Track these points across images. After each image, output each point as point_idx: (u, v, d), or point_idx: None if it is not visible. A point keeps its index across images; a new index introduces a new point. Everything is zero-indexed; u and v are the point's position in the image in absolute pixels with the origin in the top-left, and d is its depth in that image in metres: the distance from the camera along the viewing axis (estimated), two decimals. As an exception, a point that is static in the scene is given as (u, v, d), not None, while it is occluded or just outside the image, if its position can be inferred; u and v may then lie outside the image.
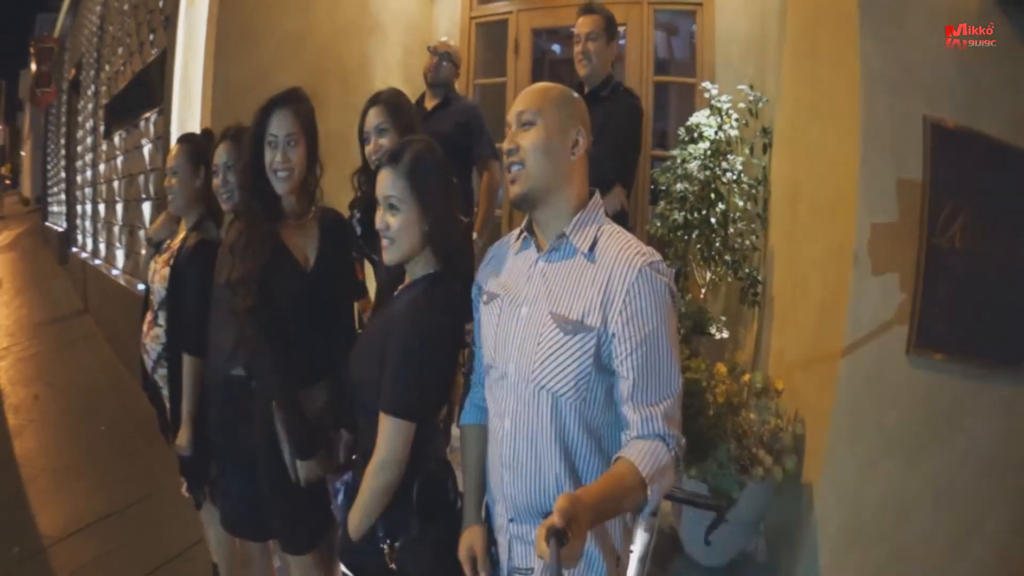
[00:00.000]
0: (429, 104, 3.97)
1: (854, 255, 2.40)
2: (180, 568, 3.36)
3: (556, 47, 5.71)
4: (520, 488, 1.64)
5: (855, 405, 2.45)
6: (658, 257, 1.56)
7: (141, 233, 7.30)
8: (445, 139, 3.58)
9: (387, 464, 1.82)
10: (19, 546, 4.13)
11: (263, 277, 2.21)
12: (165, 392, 2.84)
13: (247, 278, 2.21)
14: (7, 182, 33.17)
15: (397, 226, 1.83)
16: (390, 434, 1.81)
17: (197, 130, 4.86)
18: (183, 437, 2.69)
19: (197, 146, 2.92)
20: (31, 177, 25.11)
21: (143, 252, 7.16)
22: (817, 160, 2.72)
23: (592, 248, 1.59)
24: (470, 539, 1.73)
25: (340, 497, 2.16)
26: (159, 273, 2.79)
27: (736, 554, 2.92)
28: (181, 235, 2.81)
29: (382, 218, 1.85)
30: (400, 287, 1.97)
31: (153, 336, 2.83)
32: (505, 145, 1.62)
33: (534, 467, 1.62)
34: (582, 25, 3.19)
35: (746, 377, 2.79)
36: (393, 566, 1.87)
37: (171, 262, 2.72)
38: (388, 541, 1.88)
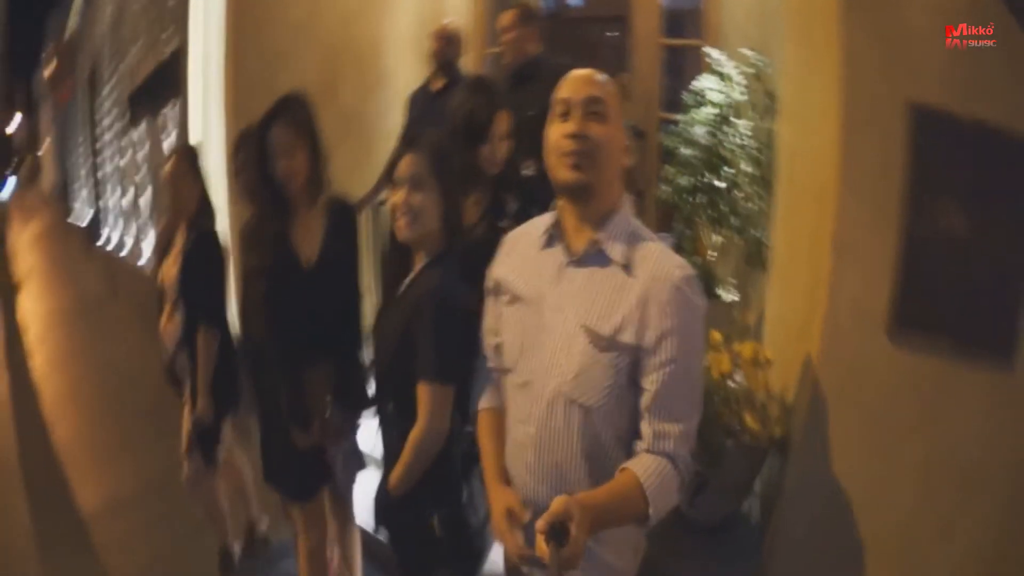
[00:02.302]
0: (435, 86, 4.15)
1: (833, 234, 2.45)
2: (212, 541, 3.63)
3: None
4: (545, 494, 1.60)
5: (837, 382, 2.48)
6: (693, 271, 1.58)
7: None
8: None
9: (432, 431, 2.01)
10: (60, 523, 4.47)
11: (266, 275, 2.59)
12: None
13: (252, 273, 2.67)
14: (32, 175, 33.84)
15: (420, 203, 2.03)
16: (433, 401, 2.00)
17: (218, 120, 5.09)
18: (202, 405, 3.14)
19: (194, 155, 3.35)
20: (54, 170, 25.61)
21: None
22: (807, 133, 2.75)
23: (626, 259, 1.57)
24: (504, 500, 1.65)
25: (339, 465, 2.66)
26: (168, 273, 3.24)
27: (728, 515, 2.99)
28: (181, 236, 3.26)
29: (405, 197, 2.04)
30: (412, 275, 2.15)
31: (172, 327, 3.25)
32: (572, 128, 1.56)
33: (559, 474, 1.62)
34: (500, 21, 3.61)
35: (736, 346, 2.87)
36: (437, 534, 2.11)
37: (179, 261, 3.19)
38: (434, 512, 2.10)
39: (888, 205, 2.32)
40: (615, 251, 1.58)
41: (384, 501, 2.20)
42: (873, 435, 2.40)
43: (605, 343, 1.54)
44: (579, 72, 1.65)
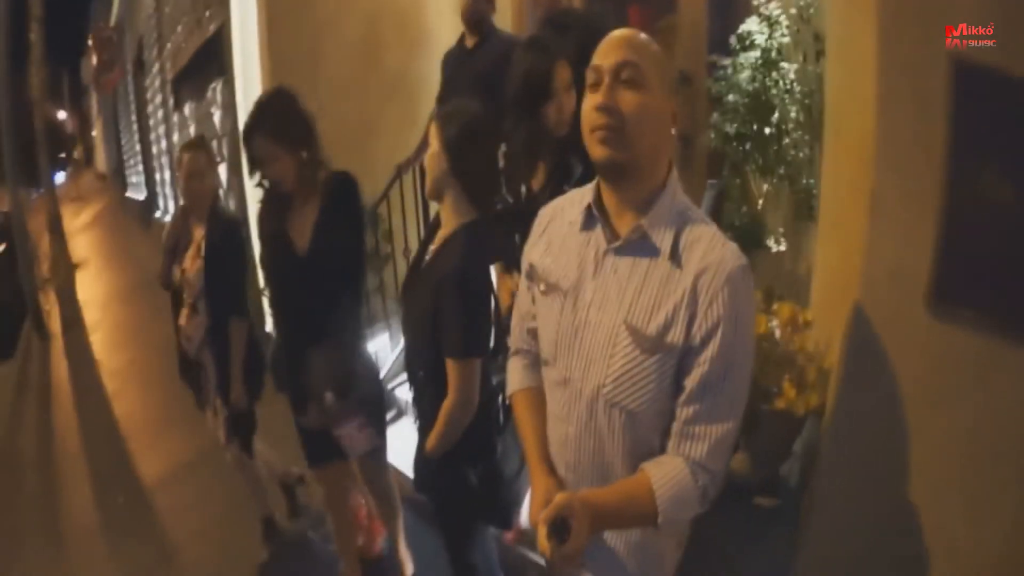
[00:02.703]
0: (470, 43, 4.04)
1: (871, 192, 2.26)
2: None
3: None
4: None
5: (870, 348, 2.32)
6: (744, 260, 1.42)
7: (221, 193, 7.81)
8: (486, 77, 3.71)
9: (463, 404, 2.11)
10: (123, 495, 4.63)
11: (267, 264, 2.81)
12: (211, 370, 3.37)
13: (261, 263, 2.84)
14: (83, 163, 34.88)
15: (428, 160, 2.14)
16: (462, 376, 2.08)
17: (257, 86, 5.13)
18: (237, 394, 3.25)
19: (208, 146, 3.45)
20: (106, 154, 26.33)
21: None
22: (851, 77, 2.56)
23: (673, 246, 1.42)
24: (544, 489, 1.55)
25: (349, 442, 2.76)
26: (192, 267, 3.26)
27: (766, 477, 2.89)
28: (196, 230, 3.31)
29: (427, 157, 2.16)
30: (437, 242, 2.21)
31: (195, 324, 3.31)
32: (599, 99, 1.39)
33: (602, 475, 1.52)
34: None
35: (776, 306, 2.77)
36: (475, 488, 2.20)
37: (201, 253, 3.23)
38: (470, 468, 2.19)
39: (928, 164, 2.11)
40: (662, 238, 1.42)
41: (422, 465, 2.29)
42: (910, 405, 2.24)
43: (650, 344, 1.40)
44: (613, 34, 1.46)
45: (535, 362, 1.70)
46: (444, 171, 2.11)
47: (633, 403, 1.43)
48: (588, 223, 1.52)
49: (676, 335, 1.38)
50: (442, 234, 2.20)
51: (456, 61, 4.09)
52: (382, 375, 4.31)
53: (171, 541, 4.06)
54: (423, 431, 2.26)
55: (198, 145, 3.39)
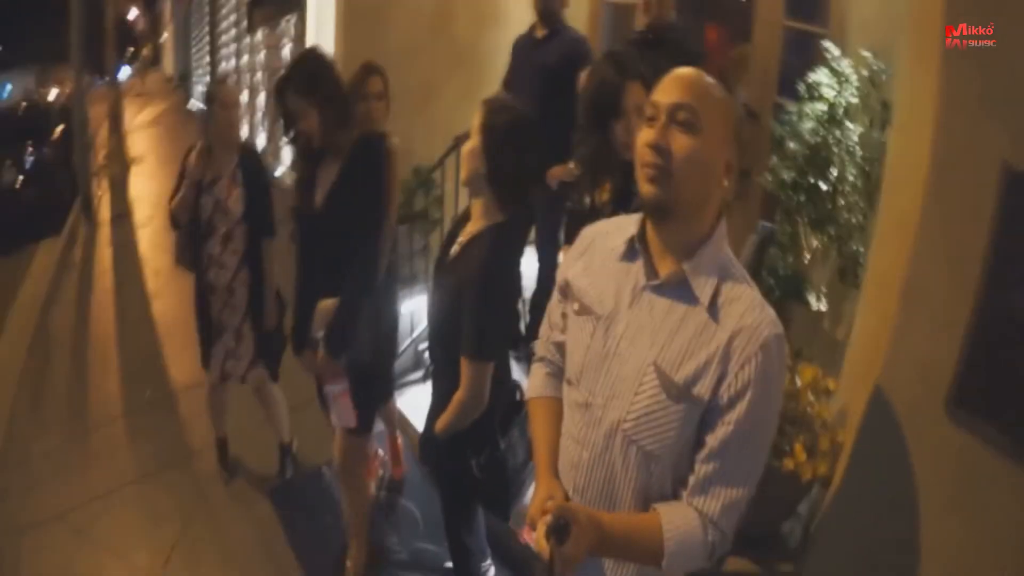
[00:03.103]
0: (539, 33, 3.97)
1: (905, 279, 2.20)
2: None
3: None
4: None
5: (885, 434, 2.23)
6: (780, 329, 1.35)
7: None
8: (551, 70, 3.70)
9: (472, 400, 2.10)
10: (150, 390, 4.72)
11: (292, 215, 2.85)
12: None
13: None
14: (149, 61, 34.62)
15: (464, 152, 2.09)
16: (473, 376, 2.06)
17: (331, 37, 5.07)
18: (271, 312, 3.44)
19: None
20: (175, 58, 26.11)
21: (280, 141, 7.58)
22: (910, 154, 2.41)
23: (713, 299, 1.36)
24: (548, 490, 1.50)
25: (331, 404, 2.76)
26: (230, 195, 3.34)
27: (765, 533, 2.78)
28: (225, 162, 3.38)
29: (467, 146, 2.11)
30: (465, 235, 2.17)
31: (231, 251, 3.38)
32: (652, 137, 1.33)
33: (609, 505, 1.47)
34: None
35: (800, 367, 2.68)
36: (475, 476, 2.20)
37: (239, 181, 3.35)
38: (476, 457, 2.19)
39: (967, 267, 1.99)
40: (702, 289, 1.35)
41: (429, 442, 2.29)
42: (916, 498, 2.15)
43: (677, 392, 1.34)
44: (677, 72, 1.38)
45: (558, 373, 1.66)
46: (478, 171, 2.07)
47: (651, 444, 1.38)
48: (630, 255, 1.45)
49: (704, 388, 1.33)
50: (471, 229, 2.15)
51: (525, 49, 4.03)
52: (414, 335, 4.38)
53: (189, 445, 4.13)
54: (435, 409, 2.25)
55: (229, 80, 3.51)
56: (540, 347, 1.72)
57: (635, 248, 1.44)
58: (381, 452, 3.77)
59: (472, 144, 2.07)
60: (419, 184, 4.65)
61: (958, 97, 2.07)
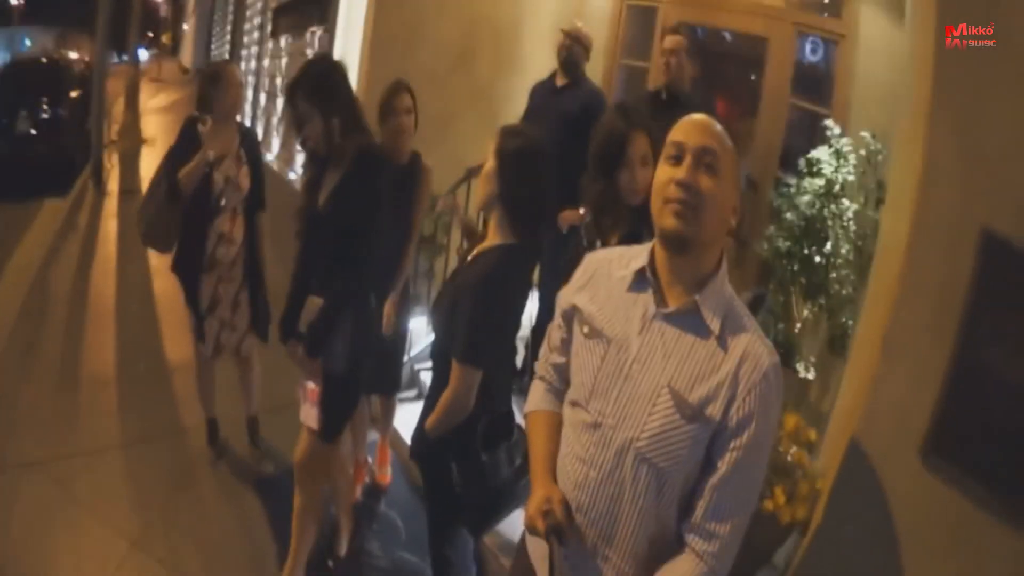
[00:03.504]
0: (560, 82, 4.02)
1: (885, 334, 2.24)
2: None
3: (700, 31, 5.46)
4: (592, 537, 1.49)
5: (865, 484, 2.25)
6: (778, 358, 1.41)
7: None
8: (570, 118, 3.73)
9: (456, 401, 2.09)
10: (144, 363, 4.58)
11: (298, 214, 2.76)
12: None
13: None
14: (168, 49, 34.20)
15: (481, 175, 2.12)
16: (460, 379, 2.06)
17: (357, 56, 5.07)
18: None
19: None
20: (193, 50, 25.84)
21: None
22: (892, 232, 2.51)
23: (722, 329, 1.40)
24: (546, 491, 1.51)
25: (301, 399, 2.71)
26: (239, 172, 3.39)
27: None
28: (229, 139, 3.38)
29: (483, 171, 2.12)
30: (476, 251, 2.18)
31: (238, 225, 3.45)
32: (682, 175, 1.36)
33: (611, 523, 1.47)
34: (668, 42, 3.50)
35: (784, 418, 2.69)
36: (455, 483, 2.18)
37: (244, 159, 3.41)
38: (455, 460, 2.18)
39: (945, 321, 2.06)
40: (711, 318, 1.39)
41: (419, 437, 2.28)
42: (891, 544, 2.16)
43: (691, 412, 1.37)
44: (698, 117, 1.44)
45: (556, 391, 1.67)
46: (493, 193, 2.08)
47: (664, 462, 1.39)
48: (638, 284, 1.47)
49: (715, 410, 1.36)
50: (482, 246, 2.16)
51: (545, 95, 4.06)
52: (411, 354, 4.32)
53: (179, 421, 4.03)
54: (427, 410, 2.24)
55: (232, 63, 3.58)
56: (540, 367, 1.73)
57: (644, 279, 1.46)
58: (369, 459, 3.69)
59: (488, 167, 2.08)
60: (428, 210, 4.63)
61: (941, 168, 2.14)
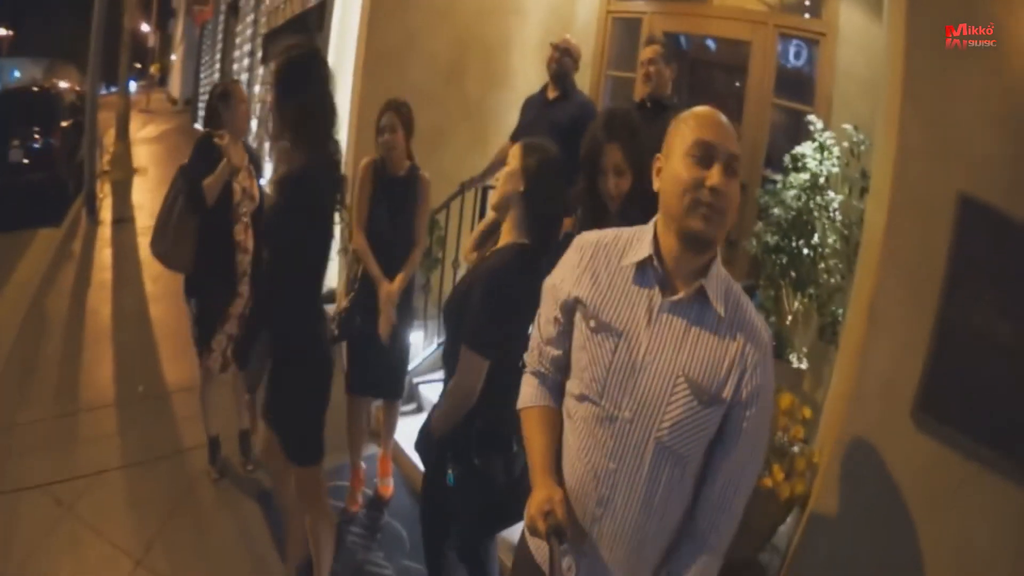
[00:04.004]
0: (551, 95, 4.07)
1: (870, 305, 2.28)
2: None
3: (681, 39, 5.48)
4: (611, 526, 1.50)
5: (860, 450, 2.30)
6: (770, 332, 1.49)
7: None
8: (562, 129, 3.73)
9: (460, 388, 2.10)
10: (143, 385, 4.53)
11: None
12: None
13: None
14: (156, 80, 34.23)
15: (502, 175, 2.15)
16: (464, 364, 2.08)
17: (349, 76, 5.08)
18: None
19: None
20: (181, 81, 25.97)
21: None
22: (879, 213, 2.52)
23: (727, 311, 1.43)
24: (548, 491, 1.47)
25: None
26: (253, 184, 3.53)
27: (745, 561, 2.74)
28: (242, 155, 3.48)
29: (502, 177, 2.16)
30: (494, 247, 2.21)
31: (251, 235, 3.51)
32: (715, 181, 1.36)
33: (632, 512, 1.48)
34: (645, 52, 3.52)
35: (779, 397, 2.72)
36: (451, 481, 2.16)
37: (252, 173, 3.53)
38: (452, 463, 2.16)
39: (926, 288, 2.13)
40: (718, 303, 1.42)
41: (425, 435, 2.27)
42: (888, 510, 2.21)
43: (708, 398, 1.40)
44: (721, 118, 1.44)
45: (552, 385, 1.63)
46: (516, 191, 2.11)
47: (685, 448, 1.42)
48: (642, 276, 1.47)
49: (729, 391, 1.40)
50: (496, 246, 2.19)
51: (537, 108, 4.11)
52: (410, 368, 4.23)
53: (179, 442, 4.00)
54: (436, 408, 2.25)
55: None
56: (532, 361, 1.67)
57: (647, 270, 1.46)
58: (364, 466, 3.66)
59: (511, 168, 2.13)
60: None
61: (913, 147, 2.22)
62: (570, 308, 1.56)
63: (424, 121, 4.82)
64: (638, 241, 1.49)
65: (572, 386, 1.55)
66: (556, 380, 1.63)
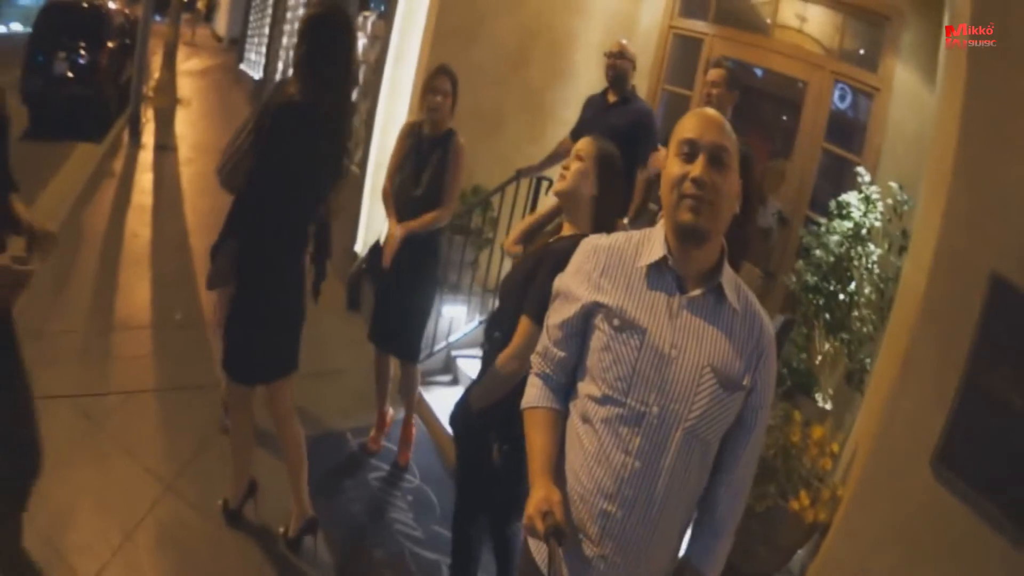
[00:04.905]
0: (611, 98, 4.13)
1: (904, 358, 2.40)
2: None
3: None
4: (633, 524, 1.48)
5: (877, 491, 2.42)
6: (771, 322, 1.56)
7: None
8: (619, 133, 3.74)
9: (515, 356, 2.08)
10: (180, 313, 4.56)
11: None
12: None
13: None
14: (202, 16, 33.77)
15: (580, 177, 2.18)
16: (522, 333, 2.08)
17: (416, 50, 5.07)
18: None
19: None
20: (229, 19, 25.62)
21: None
22: (909, 280, 2.69)
23: (740, 304, 1.49)
24: (547, 492, 1.44)
25: None
26: None
27: (763, 574, 2.85)
28: None
29: (574, 167, 2.20)
30: (555, 237, 2.27)
31: None
32: (697, 172, 1.40)
33: (653, 505, 1.47)
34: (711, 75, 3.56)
35: (812, 429, 2.84)
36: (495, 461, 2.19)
37: None
38: (499, 442, 2.18)
39: (956, 351, 2.21)
40: (732, 296, 1.48)
41: (462, 410, 2.31)
42: (900, 554, 2.29)
43: (733, 385, 1.45)
44: (707, 113, 1.49)
45: (556, 387, 1.62)
46: (591, 195, 2.18)
47: (711, 434, 1.47)
48: (655, 278, 1.49)
49: (749, 378, 1.47)
50: (561, 235, 2.25)
51: (597, 109, 4.16)
52: (450, 339, 4.45)
53: (214, 373, 3.86)
54: (477, 382, 2.31)
55: None
56: (539, 364, 1.66)
57: (661, 271, 1.49)
58: (391, 411, 3.79)
59: (586, 167, 2.18)
60: (478, 203, 4.70)
61: (958, 218, 2.30)
62: (588, 313, 1.54)
63: (486, 103, 4.94)
64: (649, 243, 1.53)
65: (592, 389, 1.53)
66: (560, 383, 1.62)
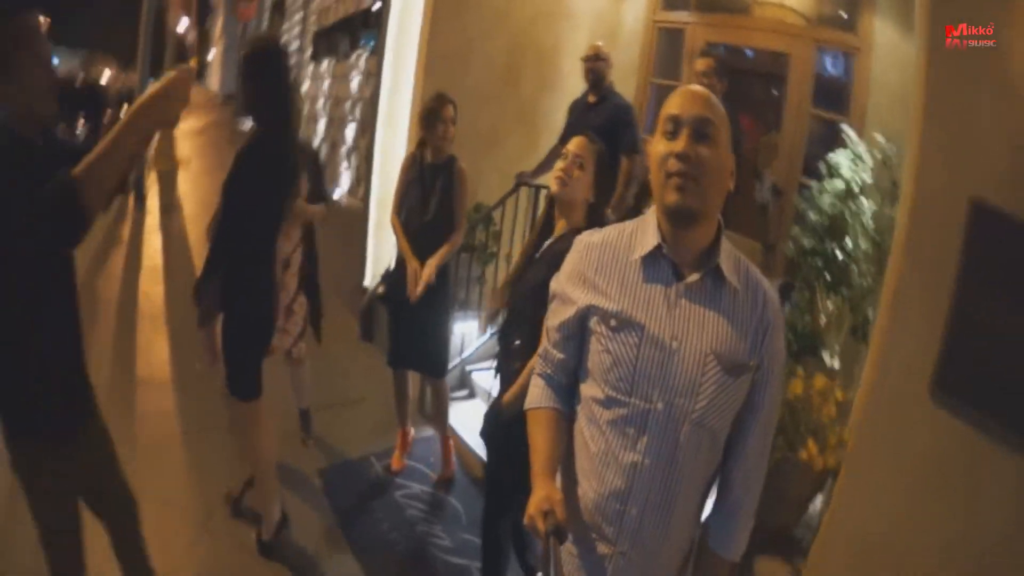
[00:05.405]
0: (591, 99, 4.41)
1: (893, 292, 2.51)
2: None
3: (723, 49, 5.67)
4: (650, 522, 1.50)
5: (882, 429, 2.47)
6: (776, 292, 1.53)
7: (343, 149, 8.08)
8: (599, 130, 3.95)
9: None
10: (199, 363, 4.65)
11: None
12: None
13: None
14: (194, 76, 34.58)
15: (577, 177, 2.34)
16: None
17: (411, 79, 5.29)
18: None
19: None
20: (222, 74, 26.34)
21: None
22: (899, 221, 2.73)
23: (742, 283, 1.47)
24: (548, 493, 1.44)
25: None
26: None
27: (779, 533, 2.90)
28: None
29: (566, 167, 2.34)
30: (552, 239, 2.43)
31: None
32: (680, 148, 1.39)
33: (668, 499, 1.48)
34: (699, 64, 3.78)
35: (815, 378, 2.96)
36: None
37: None
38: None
39: (943, 280, 2.30)
40: (732, 275, 1.46)
41: (492, 417, 2.45)
42: (908, 488, 2.37)
43: (738, 368, 1.43)
44: (690, 89, 1.47)
45: (558, 387, 1.64)
46: (587, 200, 2.37)
47: (718, 422, 1.46)
48: (651, 269, 1.48)
49: (755, 358, 1.45)
50: (560, 233, 2.41)
51: (579, 111, 4.45)
52: (463, 355, 4.60)
53: None
54: (503, 388, 2.43)
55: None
56: (540, 364, 1.69)
57: (656, 261, 1.47)
58: (412, 431, 3.95)
59: (586, 177, 2.37)
60: (480, 219, 4.90)
61: (936, 150, 2.41)
62: (584, 316, 1.55)
63: (482, 122, 5.18)
64: (642, 233, 1.51)
65: (595, 391, 1.53)
66: (561, 383, 1.64)
